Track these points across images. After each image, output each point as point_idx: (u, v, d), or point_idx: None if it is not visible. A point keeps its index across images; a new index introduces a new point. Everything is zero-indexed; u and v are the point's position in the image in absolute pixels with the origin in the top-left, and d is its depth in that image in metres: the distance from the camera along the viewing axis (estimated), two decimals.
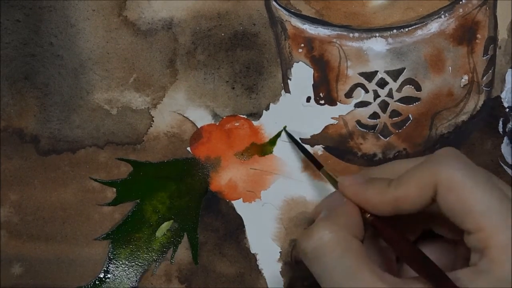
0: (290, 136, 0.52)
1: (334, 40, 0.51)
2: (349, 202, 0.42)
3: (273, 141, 0.52)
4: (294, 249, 0.52)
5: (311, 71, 0.52)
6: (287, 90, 0.53)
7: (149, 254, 0.52)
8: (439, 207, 0.39)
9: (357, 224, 0.41)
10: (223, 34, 0.53)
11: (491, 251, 0.37)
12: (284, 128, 0.52)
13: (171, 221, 0.52)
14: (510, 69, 0.53)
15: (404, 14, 0.51)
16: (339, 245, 0.38)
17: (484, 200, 0.37)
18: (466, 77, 0.52)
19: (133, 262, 0.52)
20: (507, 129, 0.53)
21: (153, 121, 0.53)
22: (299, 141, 0.52)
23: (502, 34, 0.53)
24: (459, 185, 0.38)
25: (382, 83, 0.51)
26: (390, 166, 0.44)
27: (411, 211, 0.40)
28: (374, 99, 0.52)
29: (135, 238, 0.52)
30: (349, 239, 0.39)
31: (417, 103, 0.52)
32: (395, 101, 0.51)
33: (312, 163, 0.49)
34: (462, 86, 0.52)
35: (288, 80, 0.53)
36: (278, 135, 0.53)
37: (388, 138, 0.52)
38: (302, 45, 0.52)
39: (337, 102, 0.52)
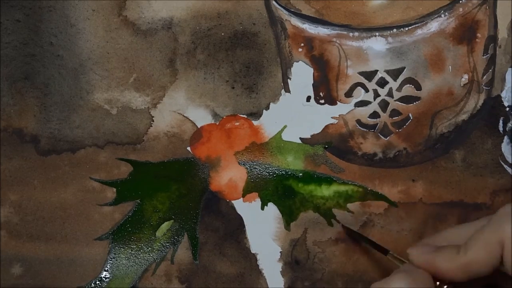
0: (349, 230, 0.52)
1: (334, 39, 0.51)
2: (424, 271, 0.43)
3: (278, 139, 0.53)
4: (294, 249, 0.52)
5: (311, 70, 0.52)
6: (287, 90, 0.53)
7: (149, 254, 0.52)
8: (504, 264, 0.39)
9: (432, 286, 0.42)
10: (223, 34, 0.53)
11: None
12: (343, 225, 0.52)
13: (171, 221, 0.52)
14: (510, 68, 0.53)
15: (404, 13, 0.51)
16: None
17: None
18: (466, 76, 0.52)
19: (133, 262, 0.52)
20: (507, 128, 0.53)
21: (153, 121, 0.53)
22: (360, 233, 0.52)
23: (502, 33, 0.53)
24: None
25: (382, 82, 0.51)
26: (455, 232, 0.45)
27: (483, 273, 0.40)
28: (374, 99, 0.51)
29: (135, 238, 0.52)
30: None
31: (417, 102, 0.52)
32: (395, 100, 0.51)
33: (377, 250, 0.50)
34: (462, 85, 0.52)
35: (288, 80, 0.53)
36: (280, 134, 0.53)
37: (388, 138, 0.52)
38: (302, 44, 0.52)
39: (337, 102, 0.52)
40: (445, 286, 0.42)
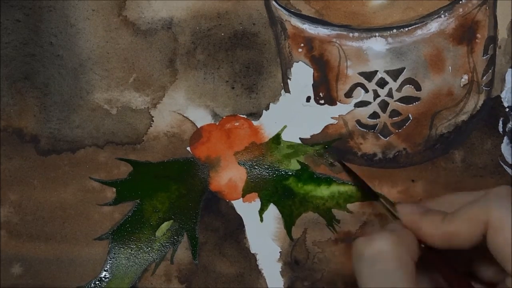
0: (345, 166, 0.52)
1: (334, 39, 0.51)
2: (410, 232, 0.42)
3: (277, 140, 0.53)
4: (294, 249, 0.52)
5: (311, 70, 0.52)
6: (287, 90, 0.53)
7: (149, 254, 0.52)
8: (488, 245, 0.39)
9: (415, 248, 0.42)
10: (223, 34, 0.53)
11: None
12: (341, 161, 0.52)
13: (171, 221, 0.52)
14: (510, 69, 0.53)
15: (404, 14, 0.51)
16: (397, 259, 0.39)
17: None
18: (466, 77, 0.52)
19: (133, 262, 0.52)
20: (507, 129, 0.53)
21: (153, 121, 0.53)
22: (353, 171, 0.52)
23: (502, 33, 0.53)
24: (507, 228, 0.38)
25: (382, 83, 0.51)
26: (449, 199, 0.45)
27: (463, 247, 0.40)
28: (374, 99, 0.52)
29: (135, 238, 0.52)
30: (407, 258, 0.40)
31: (417, 102, 0.52)
32: (395, 101, 0.51)
33: (369, 194, 0.49)
34: (462, 85, 0.52)
35: (288, 80, 0.53)
36: (279, 134, 0.53)
37: (388, 138, 0.52)
38: (302, 44, 0.52)
39: (337, 102, 0.52)
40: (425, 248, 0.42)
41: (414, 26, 0.50)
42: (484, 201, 0.40)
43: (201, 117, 0.53)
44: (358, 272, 0.40)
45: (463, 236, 0.40)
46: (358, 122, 0.52)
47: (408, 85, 0.51)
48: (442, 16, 0.50)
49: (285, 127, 0.53)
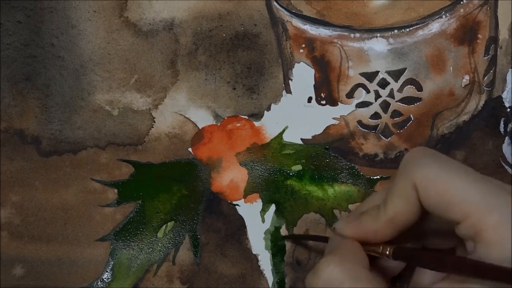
0: (285, 237, 0.52)
1: (335, 40, 0.51)
2: (350, 240, 0.41)
3: (278, 140, 0.53)
4: (296, 250, 0.52)
5: (312, 71, 0.52)
6: (288, 91, 0.53)
7: (150, 255, 0.52)
8: (424, 206, 0.38)
9: (362, 256, 0.40)
10: (224, 35, 0.53)
11: (483, 234, 0.36)
12: (283, 237, 0.52)
13: (173, 222, 0.52)
14: (511, 69, 0.53)
15: (405, 14, 0.51)
16: (348, 277, 0.38)
17: (462, 187, 0.37)
18: (467, 77, 0.52)
19: (134, 263, 0.52)
20: (508, 129, 0.53)
21: (154, 122, 0.53)
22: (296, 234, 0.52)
23: (503, 34, 0.53)
24: (435, 180, 0.37)
25: (383, 83, 0.51)
26: (376, 196, 0.44)
27: (410, 223, 0.40)
28: (375, 99, 0.52)
29: (137, 239, 0.52)
30: (357, 269, 0.38)
31: (418, 103, 0.52)
32: (396, 101, 0.51)
33: (320, 241, 0.49)
34: (463, 86, 0.52)
35: (289, 81, 0.53)
36: (281, 135, 0.53)
37: (389, 138, 0.52)
38: (303, 45, 0.52)
39: (338, 103, 0.52)
40: (389, 248, 0.40)
41: (415, 27, 0.50)
42: (403, 170, 0.39)
43: (203, 118, 0.53)
44: None
45: (403, 212, 0.39)
46: (360, 122, 0.52)
47: (409, 86, 0.51)
48: (443, 16, 0.50)
49: (286, 127, 0.53)
